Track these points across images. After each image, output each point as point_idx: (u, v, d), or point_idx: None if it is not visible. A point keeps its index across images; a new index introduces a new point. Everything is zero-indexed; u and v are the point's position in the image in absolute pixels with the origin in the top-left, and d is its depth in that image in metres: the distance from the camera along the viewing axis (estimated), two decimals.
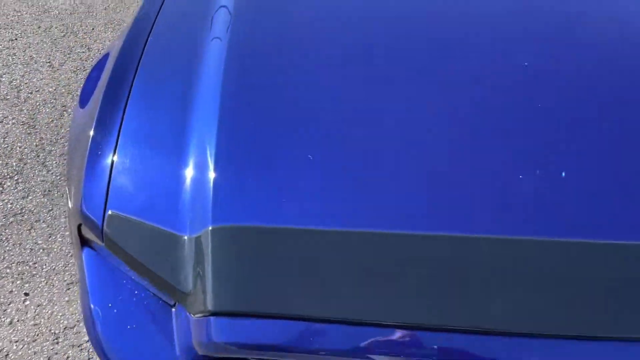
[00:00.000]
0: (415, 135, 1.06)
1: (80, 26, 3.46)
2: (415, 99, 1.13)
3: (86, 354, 1.70)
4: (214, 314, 0.92)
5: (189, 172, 1.07)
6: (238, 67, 1.23)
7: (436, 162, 1.02)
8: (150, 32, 1.37)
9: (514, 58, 1.21)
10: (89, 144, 1.16)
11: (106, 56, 1.45)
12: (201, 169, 1.06)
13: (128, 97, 1.22)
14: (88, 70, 2.94)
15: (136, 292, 1.13)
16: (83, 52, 3.19)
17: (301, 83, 1.20)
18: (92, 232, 1.10)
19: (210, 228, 0.97)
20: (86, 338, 1.74)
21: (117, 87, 1.25)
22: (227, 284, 0.94)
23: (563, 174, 0.98)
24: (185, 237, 1.00)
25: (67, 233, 2.08)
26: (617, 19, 1.35)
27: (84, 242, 1.20)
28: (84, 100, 1.36)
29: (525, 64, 1.19)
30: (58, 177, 2.33)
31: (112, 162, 1.11)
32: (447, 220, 0.94)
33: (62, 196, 2.24)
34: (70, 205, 1.18)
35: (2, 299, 1.85)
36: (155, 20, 1.41)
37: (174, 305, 1.08)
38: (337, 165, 1.04)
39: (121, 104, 1.20)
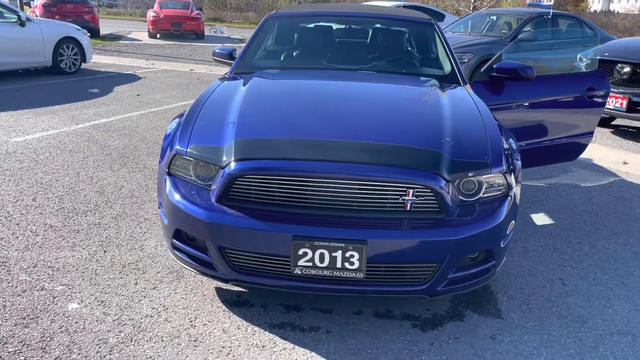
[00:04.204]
0: (319, 111, 2.75)
1: (131, 154, 5.16)
2: (325, 105, 2.88)
3: (142, 265, 2.95)
4: (231, 162, 2.37)
5: (223, 135, 2.59)
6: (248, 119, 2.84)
7: (324, 115, 2.69)
8: (198, 114, 2.94)
9: (346, 94, 3.15)
10: (181, 125, 2.71)
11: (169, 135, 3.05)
12: (227, 136, 2.59)
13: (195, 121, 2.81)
14: (139, 173, 4.55)
15: (194, 186, 2.55)
16: (133, 164, 4.82)
17: (276, 102, 2.85)
18: (181, 155, 2.56)
19: (233, 141, 2.48)
20: (132, 260, 3.01)
21: (191, 116, 2.84)
22: (238, 152, 2.40)
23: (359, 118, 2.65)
24: (223, 146, 2.48)
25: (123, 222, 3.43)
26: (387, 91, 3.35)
27: (169, 173, 2.65)
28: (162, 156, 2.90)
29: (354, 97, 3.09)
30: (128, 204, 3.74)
31: (191, 132, 2.64)
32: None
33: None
34: (163, 163, 2.67)
35: (90, 252, 3.15)
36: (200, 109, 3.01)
37: (212, 188, 2.49)
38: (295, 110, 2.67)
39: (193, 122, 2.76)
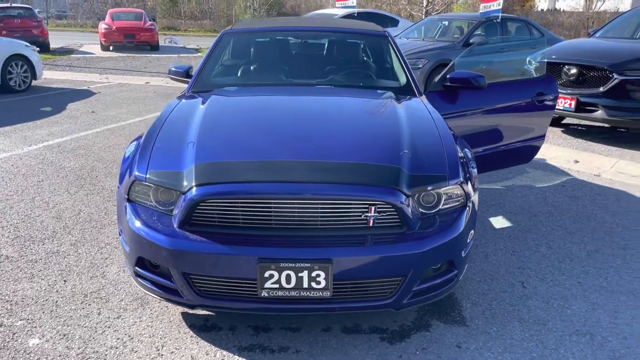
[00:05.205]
0: (278, 131, 2.77)
1: (88, 175, 5.04)
2: (284, 124, 2.89)
3: (105, 293, 2.89)
4: (192, 187, 2.35)
5: (182, 159, 2.57)
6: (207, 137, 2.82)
7: (284, 135, 2.71)
8: (157, 137, 2.91)
9: (304, 112, 3.21)
10: (139, 149, 2.68)
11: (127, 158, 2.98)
12: (187, 160, 2.57)
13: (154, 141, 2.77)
14: (97, 195, 4.45)
15: (155, 212, 2.52)
16: (91, 186, 4.71)
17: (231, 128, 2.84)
18: (140, 181, 2.53)
19: (193, 165, 2.46)
20: (94, 288, 2.94)
21: (149, 140, 2.80)
22: (199, 177, 2.38)
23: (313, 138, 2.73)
24: (184, 171, 2.46)
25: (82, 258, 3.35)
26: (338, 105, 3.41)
27: (128, 200, 2.61)
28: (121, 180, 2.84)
29: (307, 113, 3.20)
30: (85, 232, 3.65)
31: (149, 157, 2.61)
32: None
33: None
34: (122, 189, 2.62)
35: (49, 283, 3.06)
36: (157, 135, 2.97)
37: (174, 213, 2.47)
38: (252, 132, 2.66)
39: (152, 142, 2.73)
